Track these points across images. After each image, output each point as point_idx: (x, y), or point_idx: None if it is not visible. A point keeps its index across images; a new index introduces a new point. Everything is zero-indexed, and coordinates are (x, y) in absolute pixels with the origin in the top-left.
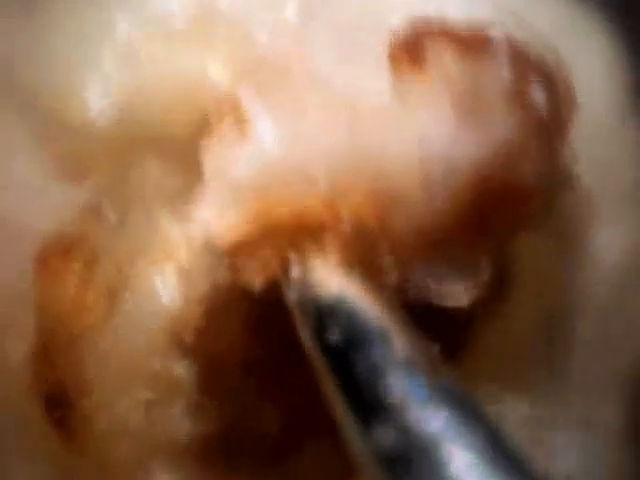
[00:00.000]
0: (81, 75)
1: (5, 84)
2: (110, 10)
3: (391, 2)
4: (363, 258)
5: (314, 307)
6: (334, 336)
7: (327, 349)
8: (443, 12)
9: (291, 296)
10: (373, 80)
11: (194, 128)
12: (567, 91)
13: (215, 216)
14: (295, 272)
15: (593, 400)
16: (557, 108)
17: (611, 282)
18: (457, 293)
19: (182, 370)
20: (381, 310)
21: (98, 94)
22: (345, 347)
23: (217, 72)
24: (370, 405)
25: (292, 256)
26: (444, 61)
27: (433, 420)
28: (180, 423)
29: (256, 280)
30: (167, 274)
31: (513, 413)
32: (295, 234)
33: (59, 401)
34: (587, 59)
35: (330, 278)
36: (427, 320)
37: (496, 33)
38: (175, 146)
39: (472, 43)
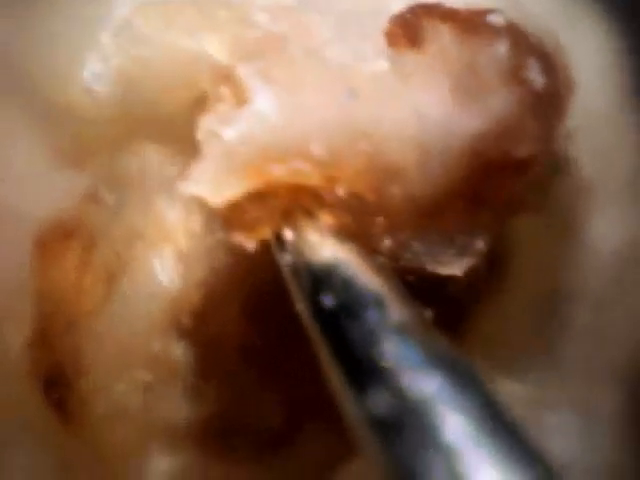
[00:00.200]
0: (80, 59)
1: (3, 70)
2: None
3: None
4: (358, 226)
5: (308, 272)
6: (328, 301)
7: (321, 314)
8: (441, 1)
9: (285, 261)
10: (371, 56)
11: (192, 106)
12: (565, 72)
13: (209, 182)
14: (289, 236)
15: (589, 386)
16: (555, 87)
17: (609, 269)
18: (451, 261)
19: (180, 353)
20: (375, 275)
21: (97, 77)
22: (339, 312)
23: (216, 50)
24: (364, 370)
25: (286, 221)
26: (442, 38)
27: (427, 384)
28: (178, 406)
29: (250, 241)
30: (165, 258)
31: (507, 397)
32: (290, 199)
33: (57, 383)
34: (585, 47)
35: (324, 243)
36: (420, 296)
37: (495, 15)
38: (173, 129)
39: (470, 22)
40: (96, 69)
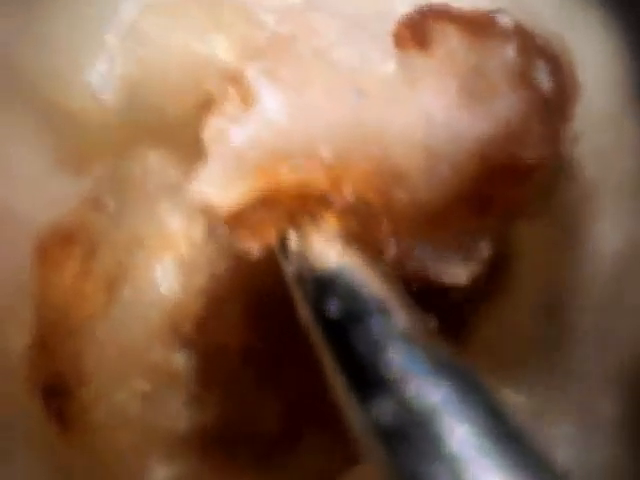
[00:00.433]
0: (83, 61)
1: (5, 71)
2: None
3: None
4: (363, 232)
5: (312, 278)
6: (333, 308)
7: (326, 322)
8: (448, 2)
9: (289, 267)
10: (379, 58)
11: (197, 110)
12: (571, 75)
13: (216, 184)
14: (294, 243)
15: (591, 391)
16: (562, 89)
17: (611, 273)
18: (456, 270)
19: (181, 361)
20: (381, 282)
21: (101, 80)
22: (344, 320)
23: (223, 51)
24: (369, 378)
25: (291, 226)
26: (450, 41)
27: (433, 393)
28: (179, 414)
29: (254, 248)
30: (166, 264)
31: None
32: (296, 204)
33: (57, 391)
34: (588, 48)
35: (329, 250)
36: (423, 304)
37: (503, 17)
38: (177, 134)
39: (478, 24)
40: (101, 72)
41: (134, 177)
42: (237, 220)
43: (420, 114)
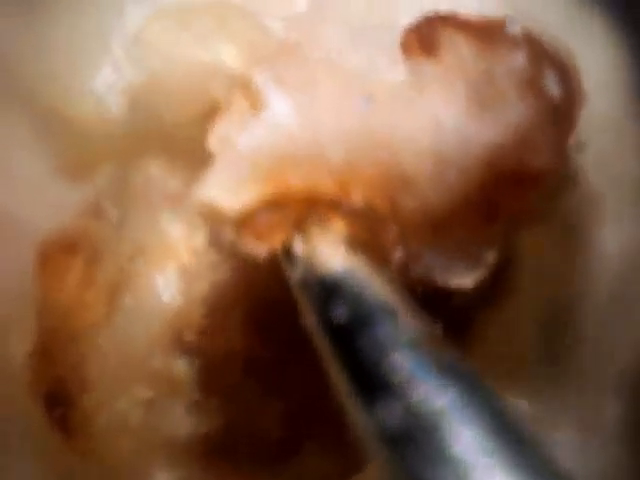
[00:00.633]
0: (86, 67)
1: (7, 78)
2: (122, 2)
3: (401, 1)
4: (370, 237)
5: (319, 284)
6: (339, 313)
7: (332, 327)
8: (455, 10)
9: (294, 273)
10: (386, 65)
11: (202, 119)
12: (578, 82)
13: (225, 187)
14: (300, 247)
15: (593, 396)
16: (570, 97)
17: (614, 277)
18: (462, 276)
19: (183, 369)
20: (387, 287)
21: (105, 88)
22: (350, 324)
23: (231, 58)
24: (376, 383)
25: (299, 231)
26: (458, 48)
27: (439, 397)
28: (181, 422)
29: (262, 252)
30: (168, 273)
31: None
32: (304, 209)
33: (60, 399)
34: (591, 54)
35: (335, 255)
36: (427, 308)
37: (512, 24)
38: (180, 143)
39: (486, 31)
40: (106, 80)
41: (136, 185)
42: (245, 223)
43: (429, 120)
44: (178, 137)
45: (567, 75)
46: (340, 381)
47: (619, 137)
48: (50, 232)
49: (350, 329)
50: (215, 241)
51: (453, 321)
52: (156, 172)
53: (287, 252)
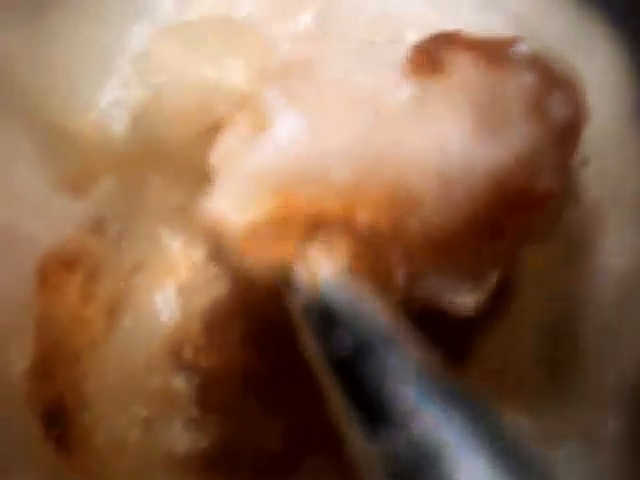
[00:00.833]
0: (89, 84)
1: (8, 93)
2: (126, 19)
3: (406, 18)
4: (374, 260)
5: (321, 311)
6: (341, 342)
7: (333, 355)
8: (460, 28)
9: (296, 300)
10: (393, 84)
11: (205, 136)
12: (583, 103)
13: (230, 202)
14: (301, 274)
15: (595, 413)
16: (576, 118)
17: (616, 293)
18: (466, 295)
19: (181, 385)
20: (390, 315)
21: (108, 106)
22: (353, 352)
23: (238, 76)
24: (379, 413)
25: (301, 257)
26: (464, 67)
27: (444, 429)
28: (179, 438)
29: (262, 268)
30: (167, 289)
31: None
32: (308, 227)
33: (57, 416)
34: (593, 69)
35: (338, 283)
36: (428, 329)
37: (521, 45)
38: (182, 160)
39: (494, 51)
40: (111, 97)
41: (135, 203)
42: (248, 239)
43: (434, 141)
44: (180, 154)
45: (574, 97)
46: (341, 411)
47: (621, 152)
48: (50, 246)
49: (352, 357)
50: (215, 257)
51: (454, 336)
52: (157, 188)
53: (287, 278)
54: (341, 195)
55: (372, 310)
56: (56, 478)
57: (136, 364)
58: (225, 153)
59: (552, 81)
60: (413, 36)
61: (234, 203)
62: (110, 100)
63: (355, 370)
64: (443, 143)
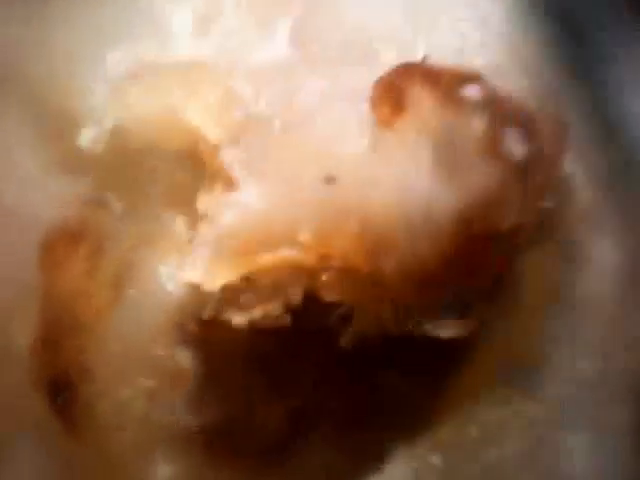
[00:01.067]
0: (91, 74)
1: (10, 80)
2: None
3: (382, 32)
4: (359, 297)
5: None
6: None
7: None
8: (430, 51)
9: None
10: (355, 129)
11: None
12: (553, 132)
13: (204, 269)
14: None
15: (602, 402)
16: (539, 150)
17: (613, 286)
18: (454, 325)
19: (186, 359)
20: None
21: (108, 92)
22: None
23: (199, 122)
24: None
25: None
26: (422, 108)
27: None
28: (183, 412)
29: (243, 321)
30: (172, 265)
31: (522, 415)
32: (284, 279)
33: (62, 388)
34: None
35: None
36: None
37: (471, 88)
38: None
39: (449, 90)
40: (112, 84)
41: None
42: (225, 296)
43: (396, 183)
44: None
45: (533, 132)
46: None
47: (608, 154)
48: (54, 223)
49: None
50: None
51: (453, 339)
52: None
53: None
54: (311, 248)
55: None
56: (60, 453)
57: (140, 337)
58: (205, 212)
59: (505, 120)
60: (386, 53)
61: (206, 270)
62: (109, 86)
63: None
64: (404, 185)
